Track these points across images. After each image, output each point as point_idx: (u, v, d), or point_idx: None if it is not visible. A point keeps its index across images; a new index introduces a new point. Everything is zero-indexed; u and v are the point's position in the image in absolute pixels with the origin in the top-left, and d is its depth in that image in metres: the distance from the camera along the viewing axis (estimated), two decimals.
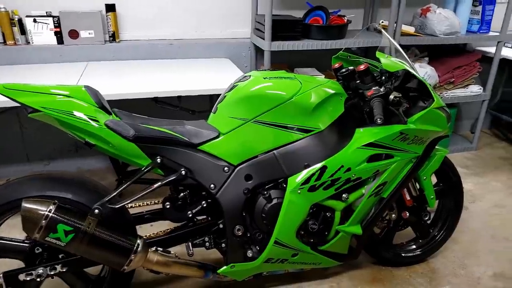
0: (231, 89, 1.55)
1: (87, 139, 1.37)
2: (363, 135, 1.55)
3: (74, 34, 2.57)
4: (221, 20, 2.86)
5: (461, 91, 3.07)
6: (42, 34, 2.55)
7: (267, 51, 2.49)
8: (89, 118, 1.33)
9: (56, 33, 2.55)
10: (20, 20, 2.48)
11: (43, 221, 1.26)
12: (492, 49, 3.16)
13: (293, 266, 1.68)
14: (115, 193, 1.39)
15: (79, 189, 1.44)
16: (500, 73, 3.35)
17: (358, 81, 1.63)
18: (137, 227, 1.57)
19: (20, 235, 1.30)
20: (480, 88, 3.11)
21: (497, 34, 2.95)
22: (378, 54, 1.62)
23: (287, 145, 1.53)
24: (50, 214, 1.28)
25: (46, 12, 2.52)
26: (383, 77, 1.65)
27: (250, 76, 1.56)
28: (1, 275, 1.39)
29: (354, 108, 1.66)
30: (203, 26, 2.84)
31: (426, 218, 1.86)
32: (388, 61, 1.57)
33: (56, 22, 2.53)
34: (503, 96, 3.54)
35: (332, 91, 1.57)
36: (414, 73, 1.60)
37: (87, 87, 1.42)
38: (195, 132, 1.50)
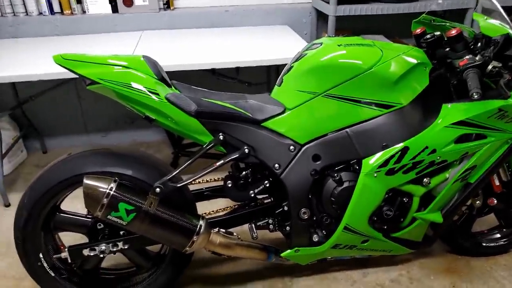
0: (299, 58, 1.39)
1: (146, 113, 1.28)
2: (452, 112, 1.35)
3: (128, 2, 2.49)
4: None
5: None
6: (97, 2, 2.50)
7: (331, 16, 2.28)
8: (149, 90, 1.24)
9: (111, 1, 2.49)
10: None
11: (105, 199, 1.22)
12: None
13: (361, 252, 1.55)
14: (176, 171, 1.31)
15: (140, 165, 1.38)
16: None
17: (447, 49, 1.40)
18: (196, 204, 1.50)
19: (83, 208, 1.26)
20: None
21: None
22: (475, 15, 1.38)
23: (362, 122, 1.36)
24: (112, 192, 1.23)
25: None
26: (479, 44, 1.40)
27: (320, 43, 1.39)
28: (67, 249, 1.38)
29: (440, 80, 1.45)
30: None
31: None
32: (488, 24, 1.33)
33: None
34: None
35: (416, 61, 1.36)
36: None
37: (145, 57, 1.32)
38: (258, 107, 1.37)
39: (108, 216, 1.24)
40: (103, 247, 1.37)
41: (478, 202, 1.61)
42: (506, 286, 1.64)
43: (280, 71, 2.52)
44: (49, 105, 2.65)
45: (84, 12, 2.51)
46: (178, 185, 1.30)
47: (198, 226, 1.32)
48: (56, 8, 2.47)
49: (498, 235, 1.77)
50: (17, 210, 1.34)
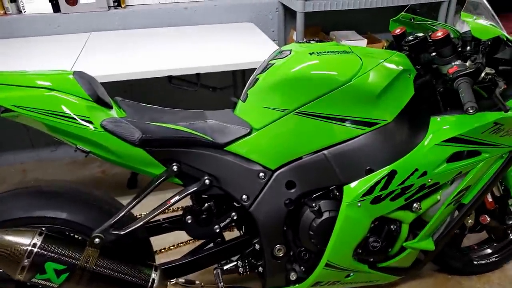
0: (265, 69, 1.17)
1: (78, 145, 1.03)
2: (443, 127, 1.17)
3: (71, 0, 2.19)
4: None
5: None
6: (34, 1, 2.18)
7: (300, 13, 2.06)
8: (80, 118, 1.00)
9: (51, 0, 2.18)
10: None
11: (26, 261, 0.96)
12: None
13: (344, 286, 1.37)
14: (120, 215, 1.07)
15: (78, 204, 1.12)
16: None
17: (433, 53, 1.22)
18: (152, 238, 1.27)
19: None
20: None
21: None
22: (464, 15, 1.20)
23: (342, 143, 1.16)
24: (35, 250, 0.97)
25: None
26: (467, 47, 1.23)
27: (289, 50, 1.18)
28: None
29: (425, 89, 1.27)
30: None
31: (510, 222, 1.49)
32: (478, 25, 1.15)
33: None
34: None
35: (399, 68, 1.17)
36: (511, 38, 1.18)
37: (77, 73, 1.07)
38: (220, 128, 1.15)
39: (33, 280, 0.99)
40: None
41: (470, 221, 1.45)
42: None
43: (246, 74, 2.31)
44: None
45: (20, 12, 2.20)
46: (122, 233, 1.06)
47: (151, 280, 1.09)
48: None
49: (489, 251, 1.64)
50: None
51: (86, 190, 1.20)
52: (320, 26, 2.53)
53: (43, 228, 1.02)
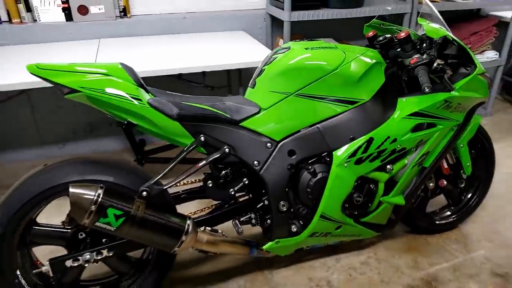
0: (269, 61, 1.49)
1: (129, 119, 1.31)
2: (407, 105, 1.52)
3: (83, 10, 2.45)
4: None
5: (477, 57, 3.03)
6: (49, 11, 2.43)
7: (286, 22, 2.41)
8: (131, 96, 1.27)
9: (64, 9, 2.44)
10: None
11: (93, 206, 1.23)
12: (505, 14, 3.10)
13: (335, 239, 1.68)
14: (160, 175, 1.35)
15: (119, 171, 1.39)
16: None
17: (398, 49, 1.58)
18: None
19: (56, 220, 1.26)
20: (496, 54, 3.08)
21: None
22: (420, 20, 1.57)
23: (331, 118, 1.50)
24: (100, 199, 1.24)
25: None
26: (424, 44, 1.59)
27: (288, 47, 1.50)
28: (47, 261, 1.36)
29: (393, 77, 1.62)
30: None
31: (462, 186, 1.86)
32: (430, 27, 1.52)
33: None
34: None
35: (373, 60, 1.52)
36: (456, 39, 1.55)
37: (123, 64, 1.35)
38: (236, 108, 1.45)
39: (96, 223, 1.25)
40: (87, 256, 1.37)
41: (431, 184, 1.81)
42: (459, 257, 1.86)
43: (241, 75, 2.63)
44: (0, 119, 2.52)
45: (35, 20, 2.43)
46: (164, 187, 1.34)
47: (186, 225, 1.37)
48: (4, 17, 2.37)
49: (448, 213, 2.00)
50: None
51: (124, 161, 1.47)
52: (303, 34, 2.89)
53: (102, 185, 1.29)
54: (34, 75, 1.22)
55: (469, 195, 1.99)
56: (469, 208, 1.99)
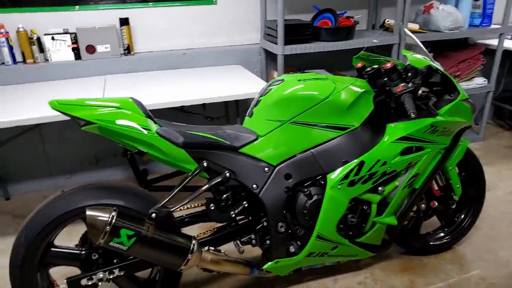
0: (265, 92, 1.62)
1: (139, 148, 1.42)
2: (395, 130, 1.63)
3: (91, 49, 2.62)
4: (230, 28, 2.92)
5: (466, 83, 3.17)
6: (59, 51, 2.60)
7: (280, 55, 2.57)
8: (141, 127, 1.39)
9: (73, 49, 2.61)
10: (38, 39, 2.53)
11: (107, 227, 1.32)
12: (492, 41, 3.27)
13: (331, 259, 1.74)
14: (168, 198, 1.45)
15: (129, 196, 1.49)
16: (502, 64, 3.46)
17: (385, 79, 1.71)
18: None
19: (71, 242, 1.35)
20: (485, 80, 3.22)
21: (499, 26, 3.06)
22: (404, 51, 1.71)
23: (324, 143, 1.60)
24: (114, 220, 1.33)
25: (63, 30, 2.57)
26: (409, 74, 1.72)
27: (282, 79, 1.63)
28: (65, 280, 1.44)
29: (381, 105, 1.74)
30: (213, 35, 2.91)
31: (453, 207, 1.95)
32: (414, 58, 1.66)
33: (73, 39, 2.58)
34: (505, 87, 3.65)
35: (362, 89, 1.64)
36: (439, 67, 1.68)
37: (133, 98, 1.47)
38: (235, 136, 1.57)
39: (110, 243, 1.34)
40: (101, 275, 1.46)
41: (423, 205, 1.89)
42: (454, 277, 1.91)
43: (239, 106, 2.77)
44: (13, 151, 2.65)
45: (46, 60, 2.59)
46: (172, 210, 1.43)
47: (192, 245, 1.46)
48: (19, 57, 2.54)
49: (442, 234, 2.06)
50: (13, 249, 1.39)
51: (133, 186, 1.57)
52: (296, 67, 3.04)
53: (115, 208, 1.39)
54: (55, 109, 1.34)
55: (462, 216, 2.07)
56: (463, 229, 2.06)
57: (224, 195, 1.59)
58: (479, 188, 2.03)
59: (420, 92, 1.60)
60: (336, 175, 1.59)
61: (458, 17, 2.89)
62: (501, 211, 2.43)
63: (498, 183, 2.77)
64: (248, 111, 1.67)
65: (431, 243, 2.03)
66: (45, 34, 2.53)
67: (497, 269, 1.95)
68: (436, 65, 1.70)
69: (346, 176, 1.58)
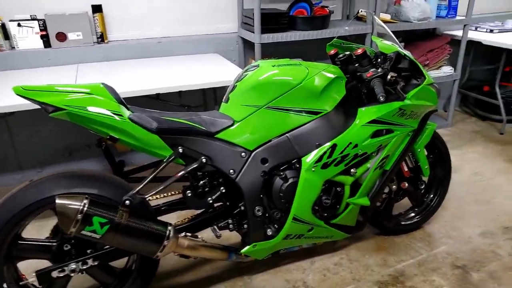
0: (241, 78, 1.63)
1: (111, 134, 1.41)
2: (366, 113, 1.68)
3: (61, 36, 2.55)
4: (206, 16, 2.92)
5: (435, 72, 3.29)
6: (27, 38, 2.52)
7: (257, 44, 2.58)
8: (113, 113, 1.38)
9: (42, 37, 2.53)
10: (3, 25, 2.44)
11: (79, 215, 1.30)
12: (457, 32, 3.40)
13: (308, 241, 1.79)
14: (142, 185, 1.44)
15: (102, 184, 1.47)
16: (466, 54, 3.60)
17: (356, 65, 1.75)
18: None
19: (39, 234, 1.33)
20: (452, 69, 3.34)
21: (463, 18, 3.18)
22: (374, 38, 1.76)
23: (298, 127, 1.64)
24: (85, 208, 1.32)
25: (31, 16, 2.50)
26: (379, 60, 1.78)
27: (258, 65, 1.65)
28: (34, 274, 1.41)
29: (353, 90, 1.79)
30: (189, 23, 2.89)
31: (422, 187, 2.03)
32: (383, 44, 1.71)
33: (41, 26, 2.51)
34: (470, 75, 3.80)
35: (334, 75, 1.68)
36: (406, 53, 1.74)
37: (104, 84, 1.46)
38: (211, 121, 1.58)
39: (82, 232, 1.32)
40: (73, 266, 1.43)
41: (394, 186, 1.96)
42: (423, 254, 2.00)
43: (216, 94, 2.77)
44: None
45: (13, 48, 2.51)
46: (146, 197, 1.43)
47: (167, 231, 1.46)
48: None
49: (412, 214, 2.15)
50: None
51: (107, 174, 1.56)
52: (273, 55, 3.06)
53: (86, 196, 1.37)
54: (20, 96, 1.31)
55: (431, 196, 2.16)
56: (431, 208, 2.16)
57: (201, 181, 1.61)
58: (445, 170, 2.12)
59: (389, 77, 1.66)
60: (310, 158, 1.63)
61: (426, 8, 2.99)
62: (466, 191, 2.55)
63: (464, 165, 2.90)
64: (224, 97, 1.68)
65: (403, 223, 2.12)
66: (10, 20, 2.44)
67: (462, 245, 2.06)
68: (404, 51, 1.76)
69: (320, 158, 1.63)
